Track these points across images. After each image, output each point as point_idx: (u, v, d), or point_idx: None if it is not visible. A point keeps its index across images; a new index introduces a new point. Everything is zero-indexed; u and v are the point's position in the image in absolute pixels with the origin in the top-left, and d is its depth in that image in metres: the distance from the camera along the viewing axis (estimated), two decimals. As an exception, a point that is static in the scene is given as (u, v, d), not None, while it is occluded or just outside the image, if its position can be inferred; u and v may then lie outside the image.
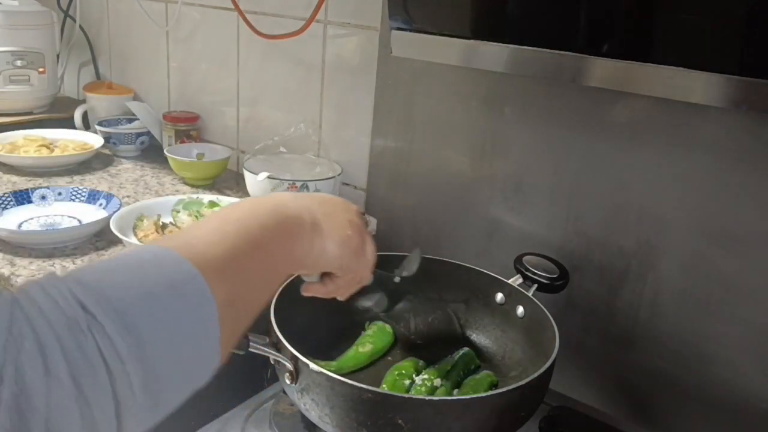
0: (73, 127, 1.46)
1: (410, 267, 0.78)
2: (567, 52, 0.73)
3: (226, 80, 1.35)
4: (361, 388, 0.62)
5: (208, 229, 0.47)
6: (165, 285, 0.39)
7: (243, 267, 0.46)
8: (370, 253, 0.64)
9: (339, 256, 0.58)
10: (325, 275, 0.63)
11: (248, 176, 1.10)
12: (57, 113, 1.54)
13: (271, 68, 1.26)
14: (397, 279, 0.77)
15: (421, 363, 0.81)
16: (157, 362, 0.37)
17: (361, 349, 0.82)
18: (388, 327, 0.86)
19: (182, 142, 1.35)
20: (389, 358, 0.84)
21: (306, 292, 0.64)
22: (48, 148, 1.30)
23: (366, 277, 0.66)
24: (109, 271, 0.39)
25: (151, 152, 1.42)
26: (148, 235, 0.95)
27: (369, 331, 0.85)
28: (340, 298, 0.67)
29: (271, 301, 0.74)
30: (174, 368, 0.39)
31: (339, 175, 1.12)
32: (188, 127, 1.37)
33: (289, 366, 0.67)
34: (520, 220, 0.95)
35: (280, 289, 0.77)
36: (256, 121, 1.33)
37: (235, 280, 0.44)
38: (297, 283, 0.79)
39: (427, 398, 0.69)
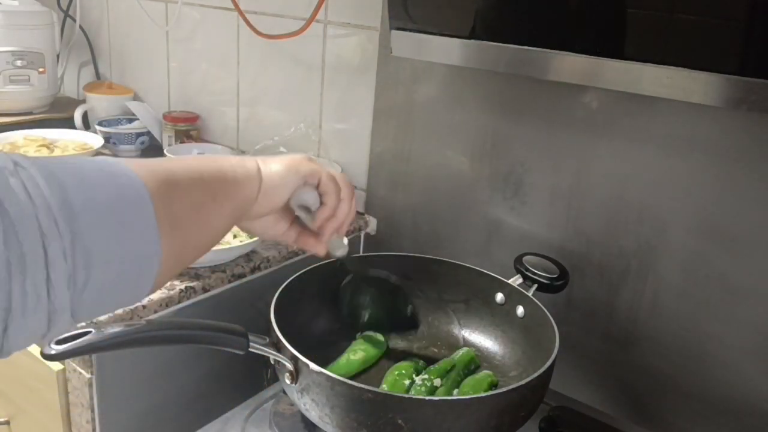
0: (73, 127, 1.46)
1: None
2: (568, 53, 0.73)
3: (226, 80, 1.35)
4: (361, 388, 0.62)
5: (171, 163, 0.51)
6: (104, 172, 0.43)
7: (187, 193, 0.49)
8: (331, 169, 0.67)
9: (289, 167, 0.60)
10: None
11: (248, 176, 1.10)
12: (57, 113, 1.54)
13: (271, 68, 1.26)
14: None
15: (421, 363, 0.81)
16: (85, 224, 0.39)
17: (352, 357, 0.81)
18: (379, 336, 0.86)
19: (182, 142, 1.35)
20: (382, 365, 0.83)
21: (317, 221, 0.65)
22: (48, 148, 1.30)
23: (345, 184, 0.66)
24: (72, 168, 0.42)
25: (151, 152, 1.42)
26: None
27: (360, 339, 0.85)
28: (346, 221, 0.67)
29: (272, 301, 0.74)
30: (105, 243, 0.40)
31: (339, 175, 1.12)
32: (188, 127, 1.36)
33: (289, 366, 0.67)
34: (520, 220, 0.95)
35: (281, 289, 0.77)
36: (256, 121, 1.33)
37: (179, 199, 0.48)
38: (297, 283, 0.80)
39: (427, 398, 0.69)
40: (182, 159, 0.55)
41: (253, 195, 0.58)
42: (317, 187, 0.64)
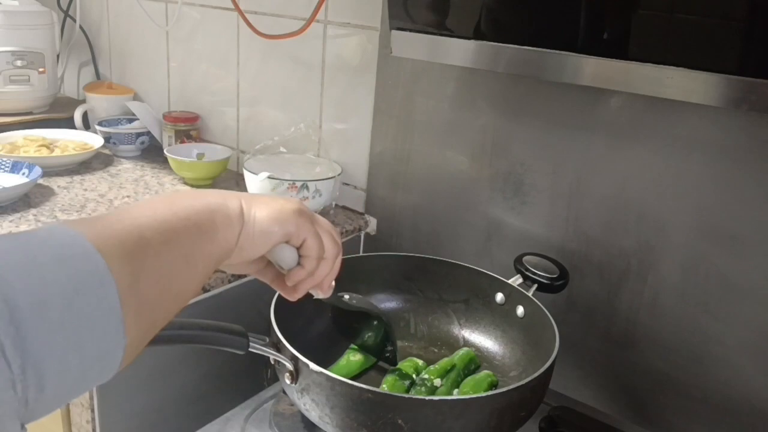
0: (73, 127, 1.46)
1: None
2: (567, 52, 0.73)
3: (226, 80, 1.35)
4: (361, 388, 0.62)
5: (130, 214, 0.45)
6: (58, 258, 0.36)
7: (153, 253, 0.43)
8: (323, 220, 0.60)
9: (275, 220, 0.54)
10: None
11: (248, 176, 1.10)
12: (57, 113, 1.54)
13: (271, 68, 1.26)
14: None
15: (421, 363, 0.81)
16: (36, 343, 0.34)
17: (352, 358, 0.81)
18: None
19: (182, 142, 1.35)
20: (382, 365, 0.83)
21: (289, 281, 0.59)
22: (48, 148, 1.30)
23: (332, 244, 0.59)
24: (9, 251, 0.36)
25: (151, 152, 1.42)
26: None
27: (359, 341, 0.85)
28: (326, 281, 0.61)
29: (272, 302, 0.74)
30: (60, 356, 0.35)
31: (339, 175, 1.13)
32: (188, 127, 1.37)
33: (289, 366, 0.67)
34: (520, 220, 0.95)
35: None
36: (256, 121, 1.33)
37: (145, 265, 0.42)
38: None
39: (427, 398, 0.69)
40: (154, 205, 0.48)
41: (231, 246, 0.52)
42: (299, 247, 0.57)
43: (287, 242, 0.56)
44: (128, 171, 1.34)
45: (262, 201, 0.55)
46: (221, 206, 0.52)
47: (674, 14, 0.66)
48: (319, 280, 0.60)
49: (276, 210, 0.55)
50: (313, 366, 0.64)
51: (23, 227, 1.02)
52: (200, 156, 1.28)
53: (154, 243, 0.44)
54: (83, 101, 1.54)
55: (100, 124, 1.41)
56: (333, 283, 0.64)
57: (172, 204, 0.48)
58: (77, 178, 1.27)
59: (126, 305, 0.38)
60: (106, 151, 1.41)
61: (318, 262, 0.58)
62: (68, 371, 0.36)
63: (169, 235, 0.45)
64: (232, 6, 1.19)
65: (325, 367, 0.65)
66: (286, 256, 0.57)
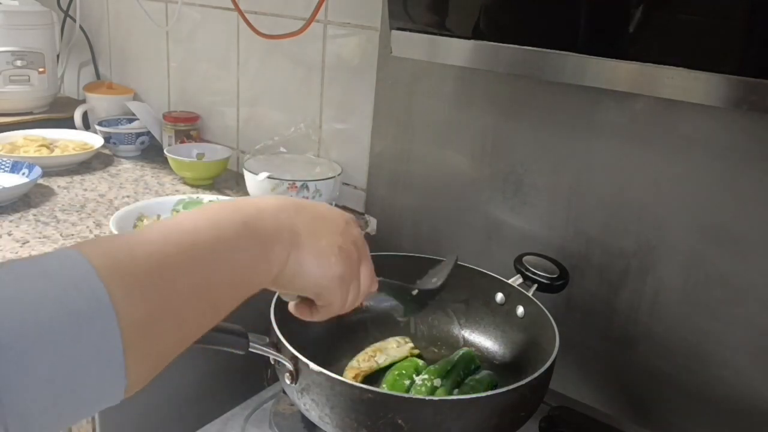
0: (73, 127, 1.46)
1: (436, 277, 0.73)
2: (567, 53, 0.73)
3: (226, 80, 1.35)
4: (361, 388, 0.62)
5: (153, 234, 0.41)
6: (54, 300, 0.33)
7: (173, 282, 0.39)
8: (364, 284, 0.56)
9: (316, 282, 0.50)
10: (306, 299, 0.56)
11: (248, 176, 1.10)
12: (57, 113, 1.54)
13: (271, 68, 1.26)
14: (414, 291, 0.71)
15: (421, 363, 0.81)
16: (21, 399, 0.31)
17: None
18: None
19: (182, 142, 1.35)
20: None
21: (292, 311, 0.57)
22: (48, 148, 1.30)
23: (352, 308, 0.57)
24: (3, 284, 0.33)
25: (151, 152, 1.42)
26: (148, 235, 0.95)
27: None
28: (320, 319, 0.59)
29: (272, 301, 0.74)
30: (47, 411, 0.32)
31: (339, 175, 1.13)
32: (188, 127, 1.37)
33: (289, 366, 0.67)
34: (520, 220, 0.95)
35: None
36: (256, 121, 1.33)
37: (159, 295, 0.38)
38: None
39: (427, 398, 0.69)
40: (184, 227, 0.42)
41: (262, 285, 0.48)
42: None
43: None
44: (128, 171, 1.34)
45: (314, 247, 0.49)
46: (266, 245, 0.46)
47: (674, 14, 0.66)
48: (314, 320, 0.57)
49: (319, 267, 0.50)
50: (313, 366, 0.64)
51: (23, 227, 1.02)
52: (200, 156, 1.28)
53: (182, 287, 0.39)
54: (83, 101, 1.54)
55: (100, 124, 1.41)
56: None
57: (212, 224, 0.44)
58: (77, 178, 1.27)
59: (129, 342, 0.35)
60: (106, 151, 1.41)
61: (320, 316, 0.56)
62: (57, 415, 0.33)
63: (199, 279, 0.41)
64: (232, 6, 1.19)
65: (325, 368, 0.65)
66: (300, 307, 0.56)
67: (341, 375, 0.73)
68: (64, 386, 0.33)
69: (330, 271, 0.51)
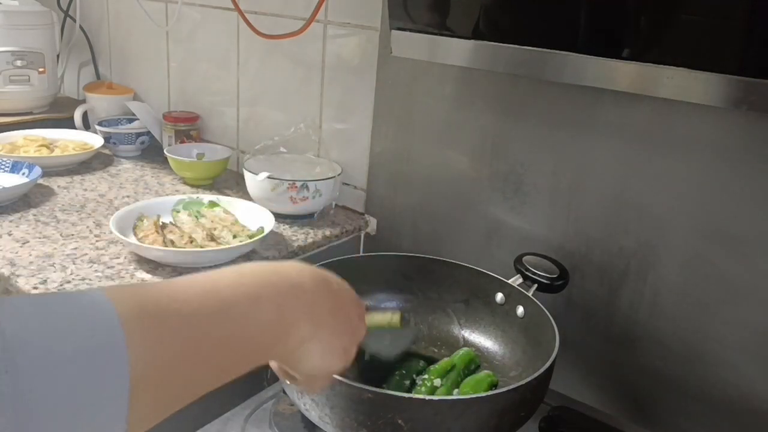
0: (73, 127, 1.46)
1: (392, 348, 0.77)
2: (567, 53, 0.73)
3: (226, 80, 1.35)
4: (361, 388, 0.62)
5: (186, 286, 0.42)
6: (75, 337, 0.34)
7: (192, 339, 0.40)
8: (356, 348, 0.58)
9: (313, 370, 0.53)
10: None
11: (248, 176, 1.10)
12: (57, 113, 1.55)
13: (271, 68, 1.26)
14: (366, 357, 0.75)
15: (421, 363, 0.81)
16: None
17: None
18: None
19: (182, 142, 1.35)
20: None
21: (274, 368, 0.58)
22: (48, 148, 1.30)
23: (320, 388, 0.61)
24: (30, 315, 0.34)
25: (151, 152, 1.42)
26: (148, 235, 0.95)
27: None
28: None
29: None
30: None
31: (339, 175, 1.13)
32: (188, 127, 1.37)
33: (289, 366, 0.67)
34: (520, 220, 0.95)
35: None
36: (256, 121, 1.33)
37: (174, 348, 0.39)
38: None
39: (427, 398, 0.69)
40: (219, 288, 0.43)
41: (273, 359, 0.51)
42: None
43: None
44: (128, 171, 1.34)
45: (325, 346, 0.52)
46: (289, 325, 0.48)
47: (674, 14, 0.66)
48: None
49: (323, 364, 0.52)
50: (313, 366, 0.64)
51: (23, 227, 1.02)
52: (200, 156, 1.28)
53: (195, 331, 0.40)
54: (83, 101, 1.54)
55: (100, 124, 1.41)
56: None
57: (245, 294, 0.45)
58: (77, 178, 1.27)
59: (136, 389, 0.35)
60: (106, 151, 1.41)
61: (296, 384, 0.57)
62: None
63: (219, 327, 0.42)
64: (232, 6, 1.19)
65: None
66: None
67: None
68: (72, 420, 0.34)
69: (330, 369, 0.54)
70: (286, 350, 0.49)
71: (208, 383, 0.43)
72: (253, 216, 1.05)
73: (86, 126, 1.48)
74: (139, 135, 1.40)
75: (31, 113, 1.51)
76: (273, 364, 0.57)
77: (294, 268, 0.52)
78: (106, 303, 0.36)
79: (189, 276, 0.44)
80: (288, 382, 0.59)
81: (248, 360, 0.47)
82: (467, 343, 0.88)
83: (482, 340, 0.88)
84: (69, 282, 0.87)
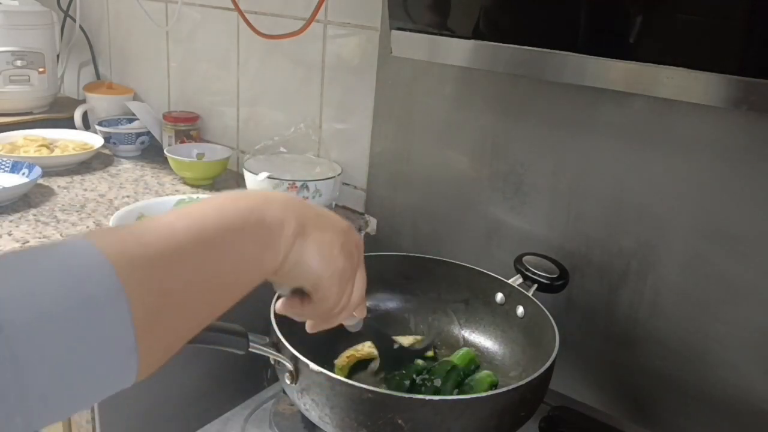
0: (73, 127, 1.46)
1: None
2: (567, 53, 0.73)
3: (226, 80, 1.35)
4: (361, 388, 0.62)
5: (161, 222, 0.42)
6: (68, 288, 0.34)
7: (182, 268, 0.40)
8: (358, 291, 0.56)
9: (317, 272, 0.51)
10: (299, 293, 0.55)
11: (248, 176, 1.10)
12: (57, 113, 1.54)
13: (271, 68, 1.26)
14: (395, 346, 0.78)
15: (421, 363, 0.81)
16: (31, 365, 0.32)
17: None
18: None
19: (182, 142, 1.35)
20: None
21: (279, 309, 0.57)
22: (48, 148, 1.30)
23: (343, 315, 0.57)
24: (11, 268, 0.34)
25: (151, 152, 1.42)
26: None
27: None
28: (309, 330, 0.60)
29: (272, 302, 0.74)
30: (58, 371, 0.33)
31: (339, 175, 1.13)
32: (188, 127, 1.37)
33: (289, 366, 0.67)
34: (520, 220, 0.95)
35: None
36: (256, 121, 1.33)
37: (169, 283, 0.39)
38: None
39: (427, 398, 0.69)
40: (192, 215, 0.43)
41: (269, 273, 0.49)
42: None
43: None
44: (128, 171, 1.34)
45: (319, 238, 0.50)
46: (274, 226, 0.47)
47: (674, 14, 0.66)
48: (304, 319, 0.58)
49: (322, 258, 0.50)
50: (313, 366, 0.64)
51: (23, 227, 1.02)
52: (200, 156, 1.28)
53: (182, 257, 0.40)
54: (83, 101, 1.54)
55: (100, 124, 1.41)
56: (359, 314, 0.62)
57: (219, 212, 0.44)
58: (77, 178, 1.27)
59: (141, 328, 0.35)
60: (106, 151, 1.41)
61: (313, 316, 0.56)
62: (73, 397, 0.34)
63: (205, 250, 0.42)
64: (232, 6, 1.19)
65: (325, 368, 0.65)
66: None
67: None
68: (79, 369, 0.34)
69: (332, 264, 0.51)
70: (279, 254, 0.48)
71: (208, 312, 0.44)
72: (253, 216, 1.04)
73: (86, 126, 1.48)
74: (139, 135, 1.40)
75: (31, 113, 1.51)
76: (279, 304, 0.56)
77: (263, 191, 0.51)
78: (92, 249, 0.36)
79: (163, 215, 0.43)
80: (305, 313, 0.56)
81: (244, 281, 0.46)
82: (467, 343, 0.88)
83: (482, 340, 0.88)
84: (69, 282, 0.87)
